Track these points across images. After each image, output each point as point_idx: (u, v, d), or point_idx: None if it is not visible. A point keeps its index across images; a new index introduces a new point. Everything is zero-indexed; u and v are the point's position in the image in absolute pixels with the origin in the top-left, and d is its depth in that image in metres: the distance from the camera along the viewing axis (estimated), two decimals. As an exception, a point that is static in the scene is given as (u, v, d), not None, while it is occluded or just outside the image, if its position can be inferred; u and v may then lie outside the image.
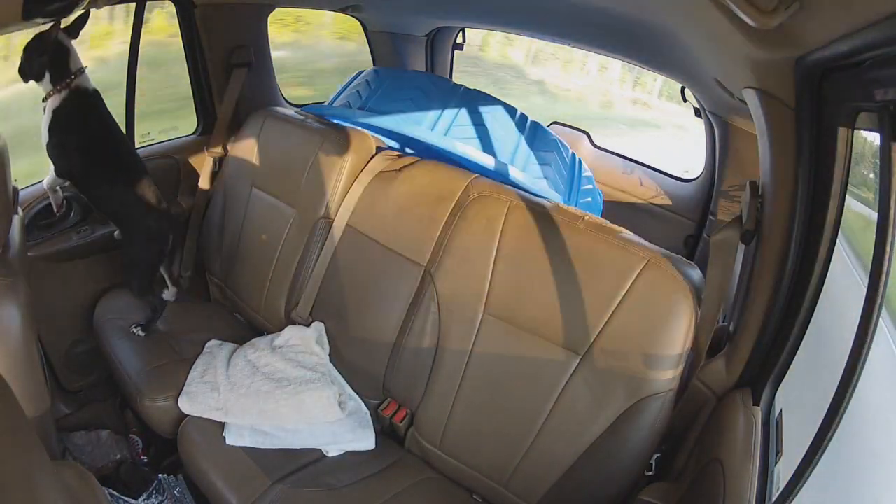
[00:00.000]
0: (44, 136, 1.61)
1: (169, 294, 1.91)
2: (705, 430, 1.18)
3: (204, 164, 2.09)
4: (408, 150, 1.89)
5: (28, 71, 1.57)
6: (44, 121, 1.60)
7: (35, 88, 1.60)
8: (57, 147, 1.61)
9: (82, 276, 1.89)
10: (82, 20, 1.59)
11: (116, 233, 1.82)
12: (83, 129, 1.63)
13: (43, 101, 1.60)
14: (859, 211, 1.06)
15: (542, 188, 1.65)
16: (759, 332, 1.13)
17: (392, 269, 1.58)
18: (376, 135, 1.88)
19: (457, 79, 2.81)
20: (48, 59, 1.56)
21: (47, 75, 1.57)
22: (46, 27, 1.52)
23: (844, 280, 1.17)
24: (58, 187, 1.73)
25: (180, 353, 1.71)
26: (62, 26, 1.56)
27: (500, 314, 1.41)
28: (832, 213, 0.99)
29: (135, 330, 1.74)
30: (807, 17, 0.74)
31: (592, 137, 2.79)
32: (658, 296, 1.25)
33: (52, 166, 1.65)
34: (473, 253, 1.45)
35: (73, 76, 1.59)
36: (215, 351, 1.70)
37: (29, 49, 1.55)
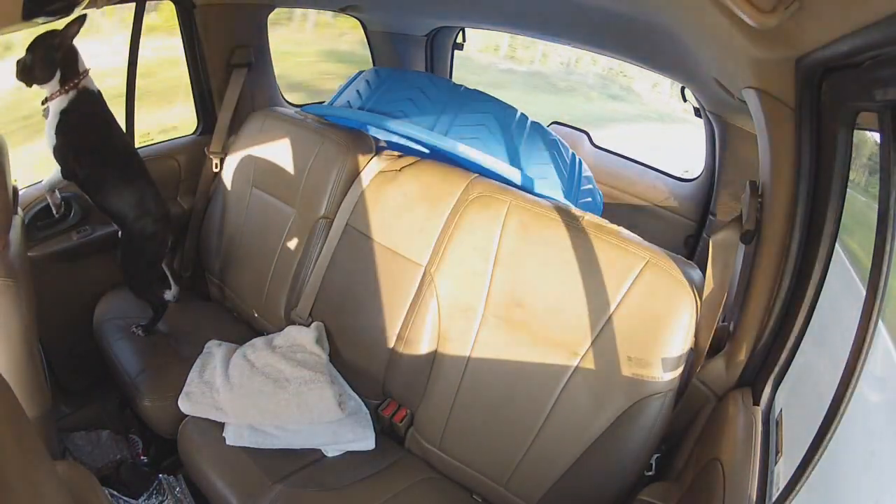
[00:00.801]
0: (50, 139, 1.59)
1: (171, 295, 1.91)
2: (705, 430, 1.18)
3: (204, 165, 2.09)
4: (408, 150, 1.89)
5: (38, 71, 1.54)
6: (49, 123, 1.58)
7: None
8: (64, 148, 1.60)
9: (82, 276, 1.89)
10: (80, 22, 1.56)
11: (120, 232, 1.83)
12: (90, 129, 1.63)
13: (43, 103, 1.59)
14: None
15: (542, 188, 1.65)
16: (759, 332, 1.14)
17: (392, 270, 1.58)
18: (376, 135, 1.88)
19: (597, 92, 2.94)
20: (61, 58, 1.54)
21: (58, 75, 1.55)
22: (46, 28, 1.51)
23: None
24: (56, 190, 1.73)
25: (180, 353, 1.71)
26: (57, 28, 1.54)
27: (500, 314, 1.41)
28: (832, 213, 0.99)
29: (135, 330, 1.74)
30: (807, 17, 0.74)
31: (593, 137, 2.79)
32: (658, 296, 1.25)
33: (56, 168, 1.64)
34: (473, 253, 1.45)
35: (80, 77, 1.58)
36: (215, 351, 1.70)
37: (38, 48, 1.52)
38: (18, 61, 1.54)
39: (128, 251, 1.74)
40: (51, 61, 1.54)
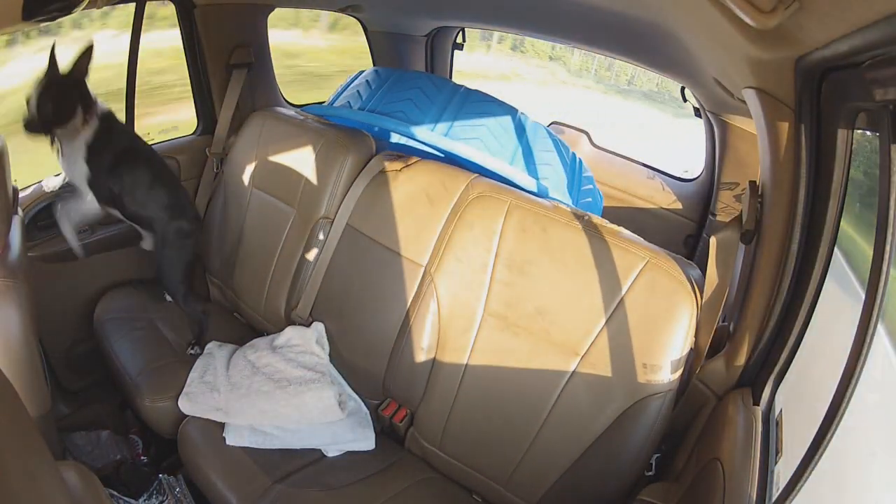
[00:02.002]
0: (80, 173, 1.58)
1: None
2: (705, 430, 1.18)
3: (204, 165, 2.09)
4: (408, 150, 1.89)
5: (59, 117, 1.48)
6: (73, 158, 1.56)
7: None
8: (99, 176, 1.60)
9: (82, 276, 1.89)
10: (90, 54, 1.49)
11: (143, 242, 1.83)
12: (117, 146, 1.62)
13: (53, 141, 1.54)
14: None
15: (544, 189, 1.65)
16: (759, 332, 1.14)
17: (392, 270, 1.58)
18: (377, 135, 1.88)
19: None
20: (79, 94, 1.51)
21: (79, 113, 1.52)
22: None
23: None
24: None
25: (180, 354, 1.72)
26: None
27: (500, 314, 1.41)
28: (832, 213, 0.99)
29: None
30: (806, 17, 0.74)
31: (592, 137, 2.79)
32: (658, 296, 1.25)
33: (87, 198, 1.63)
34: (473, 253, 1.45)
35: (95, 103, 1.56)
36: (215, 351, 1.70)
37: (51, 94, 1.45)
38: (29, 119, 1.46)
39: (165, 255, 1.75)
40: (71, 102, 1.50)
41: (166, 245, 1.74)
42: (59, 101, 1.48)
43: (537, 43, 8.25)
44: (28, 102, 1.46)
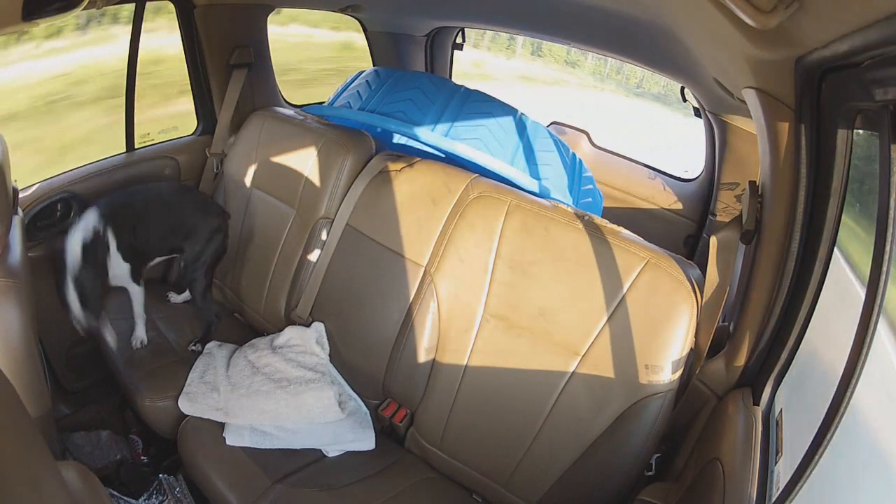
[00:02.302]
0: (125, 274, 1.66)
1: (180, 298, 1.92)
2: (705, 430, 1.18)
3: (204, 165, 2.09)
4: (408, 150, 1.89)
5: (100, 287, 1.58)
6: (118, 269, 1.64)
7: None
8: (135, 264, 1.68)
9: None
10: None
11: (177, 260, 1.85)
12: (126, 225, 1.64)
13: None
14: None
15: (545, 190, 1.65)
16: (759, 332, 1.14)
17: (392, 270, 1.58)
18: (378, 136, 1.88)
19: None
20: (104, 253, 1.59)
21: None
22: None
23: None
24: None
25: (180, 354, 1.72)
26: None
27: (499, 314, 1.41)
28: (832, 213, 0.99)
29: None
30: (806, 17, 0.74)
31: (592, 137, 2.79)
32: (658, 296, 1.25)
33: (134, 290, 1.70)
34: (473, 253, 1.45)
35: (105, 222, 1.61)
36: (215, 351, 1.70)
37: (87, 288, 1.54)
38: (87, 328, 1.54)
39: (194, 250, 1.76)
40: (102, 264, 1.58)
41: (196, 243, 1.75)
42: (92, 282, 1.54)
43: (554, 48, 8.36)
44: (71, 313, 1.53)
